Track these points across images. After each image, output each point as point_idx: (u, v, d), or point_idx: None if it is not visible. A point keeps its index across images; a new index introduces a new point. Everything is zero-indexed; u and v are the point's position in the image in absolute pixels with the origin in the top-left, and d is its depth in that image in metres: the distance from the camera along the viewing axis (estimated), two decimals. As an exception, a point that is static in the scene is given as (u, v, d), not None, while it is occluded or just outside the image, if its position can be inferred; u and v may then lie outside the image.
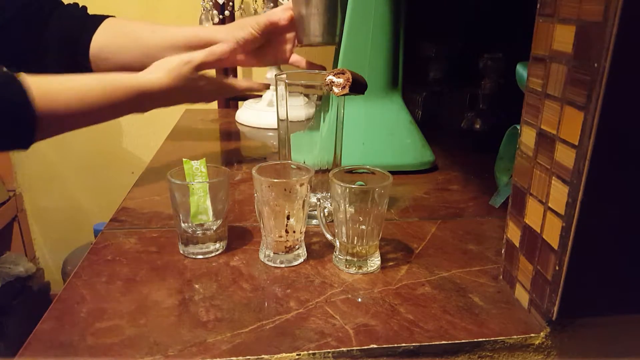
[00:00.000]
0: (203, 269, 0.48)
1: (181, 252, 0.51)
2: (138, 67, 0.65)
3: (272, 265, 0.49)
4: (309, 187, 0.48)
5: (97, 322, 0.40)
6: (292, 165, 0.52)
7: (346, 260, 0.48)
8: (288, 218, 0.48)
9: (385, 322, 0.41)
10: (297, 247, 0.50)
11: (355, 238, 0.47)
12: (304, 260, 0.50)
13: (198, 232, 0.50)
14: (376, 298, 0.44)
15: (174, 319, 0.41)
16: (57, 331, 0.39)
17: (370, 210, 0.46)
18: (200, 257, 0.50)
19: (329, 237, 0.50)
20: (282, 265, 0.49)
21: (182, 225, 0.50)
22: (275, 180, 0.47)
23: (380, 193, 0.46)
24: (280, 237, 0.48)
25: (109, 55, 0.71)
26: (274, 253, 0.49)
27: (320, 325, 0.40)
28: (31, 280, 1.38)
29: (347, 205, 0.46)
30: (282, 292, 0.45)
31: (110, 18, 0.73)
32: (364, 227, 0.47)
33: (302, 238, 0.50)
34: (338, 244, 0.49)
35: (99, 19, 0.73)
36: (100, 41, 0.70)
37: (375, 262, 0.49)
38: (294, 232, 0.48)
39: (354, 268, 0.48)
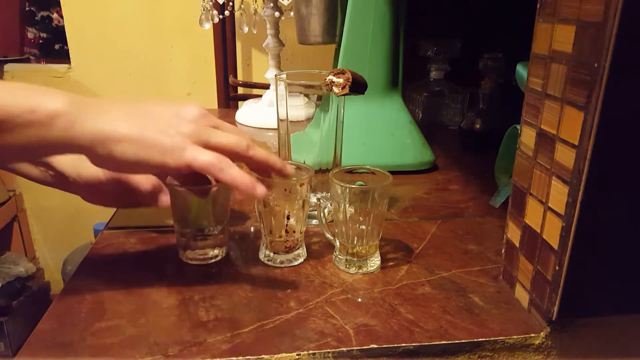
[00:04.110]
0: (203, 269, 0.48)
1: (180, 257, 0.50)
2: None
3: (273, 265, 0.49)
4: (309, 187, 0.48)
5: (97, 322, 0.40)
6: (292, 165, 0.52)
7: (346, 260, 0.48)
8: (288, 218, 0.48)
9: (385, 322, 0.41)
10: (297, 247, 0.50)
11: (355, 238, 0.47)
12: (304, 260, 0.50)
13: (198, 237, 0.49)
14: (376, 298, 0.44)
15: (174, 319, 0.41)
16: (57, 331, 0.39)
17: (370, 210, 0.46)
18: (199, 263, 0.49)
19: (329, 237, 0.50)
20: (282, 265, 0.49)
21: (182, 230, 0.49)
22: (275, 180, 0.47)
23: (380, 193, 0.46)
24: (280, 237, 0.48)
25: None
26: (274, 253, 0.49)
27: (320, 325, 0.40)
28: (31, 280, 1.38)
29: (347, 205, 0.46)
30: (282, 292, 0.45)
31: None
32: (364, 227, 0.47)
33: (302, 238, 0.50)
34: (338, 244, 0.49)
35: None
36: None
37: (375, 262, 0.49)
38: (294, 232, 0.48)
39: (354, 268, 0.48)
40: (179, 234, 0.50)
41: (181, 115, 0.40)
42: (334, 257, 0.50)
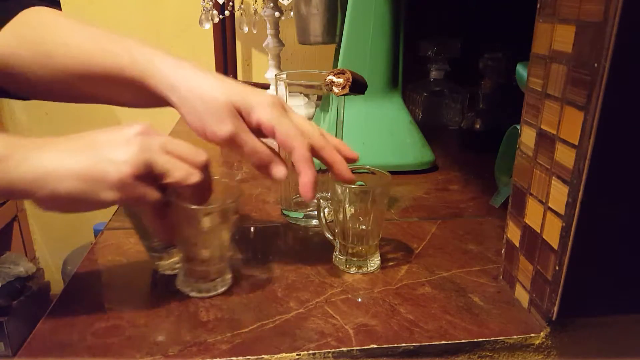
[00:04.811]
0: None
1: (156, 270, 0.47)
2: (57, 94, 0.48)
3: (183, 291, 0.44)
4: (228, 216, 0.42)
5: (97, 322, 0.40)
6: (222, 182, 0.44)
7: (346, 260, 0.48)
8: (195, 246, 0.43)
9: (385, 322, 0.41)
10: (212, 277, 0.44)
11: (355, 238, 0.47)
12: (227, 289, 0.45)
13: (168, 248, 0.45)
14: (376, 298, 0.44)
15: (174, 319, 0.41)
16: (57, 331, 0.39)
17: (370, 210, 0.46)
18: (174, 273, 0.45)
19: (329, 237, 0.50)
20: (197, 295, 0.43)
21: (149, 244, 0.45)
22: (178, 204, 0.40)
23: (380, 193, 0.46)
24: (191, 264, 0.44)
25: (13, 67, 0.45)
26: (185, 276, 0.44)
27: (320, 325, 0.40)
28: (31, 280, 1.38)
29: (347, 205, 0.46)
30: (282, 292, 0.45)
31: (31, 10, 0.47)
32: (364, 227, 0.47)
33: (223, 269, 0.45)
34: (338, 244, 0.49)
35: (16, 8, 0.47)
36: (2, 43, 0.45)
37: (375, 262, 0.49)
38: (203, 261, 0.43)
39: (354, 268, 0.48)
40: (149, 250, 0.47)
41: (124, 137, 0.37)
42: (334, 257, 0.50)
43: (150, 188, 0.37)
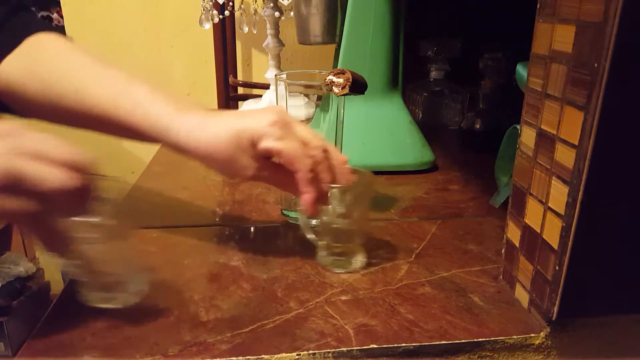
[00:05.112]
0: (203, 269, 0.48)
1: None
2: (59, 122, 0.48)
3: (87, 301, 0.42)
4: (125, 224, 0.39)
5: (97, 322, 0.40)
6: (114, 184, 0.41)
7: (328, 259, 0.48)
8: (86, 259, 0.39)
9: (385, 322, 0.41)
10: (116, 288, 0.41)
11: (337, 237, 0.47)
12: (140, 300, 0.42)
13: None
14: (376, 298, 0.44)
15: (174, 319, 0.41)
16: (57, 331, 0.39)
17: (352, 210, 0.46)
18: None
19: (311, 236, 0.50)
20: (104, 305, 0.41)
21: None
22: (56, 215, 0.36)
23: (361, 192, 0.46)
24: (90, 276, 0.41)
25: (17, 95, 0.46)
26: (88, 287, 0.42)
27: (320, 325, 0.40)
28: (31, 280, 1.38)
29: (329, 205, 0.46)
30: (282, 292, 0.45)
31: (38, 38, 0.48)
32: (346, 226, 0.47)
33: (125, 280, 0.42)
34: (321, 243, 0.49)
35: (23, 34, 0.47)
36: (9, 71, 0.46)
37: (359, 260, 0.48)
38: (100, 274, 0.40)
39: (338, 267, 0.48)
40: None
41: None
42: (317, 256, 0.50)
43: (17, 199, 0.32)
